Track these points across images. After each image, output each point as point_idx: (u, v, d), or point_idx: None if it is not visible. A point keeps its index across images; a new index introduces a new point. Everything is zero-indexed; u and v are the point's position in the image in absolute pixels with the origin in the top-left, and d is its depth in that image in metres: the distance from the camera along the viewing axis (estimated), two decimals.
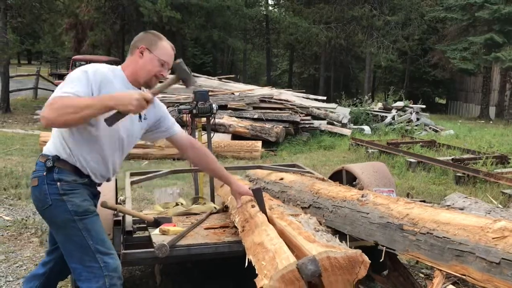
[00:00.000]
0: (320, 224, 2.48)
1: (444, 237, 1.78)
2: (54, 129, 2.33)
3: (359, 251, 1.46)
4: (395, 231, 2.10)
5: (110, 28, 21.32)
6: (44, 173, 2.25)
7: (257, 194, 2.49)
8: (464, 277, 1.61)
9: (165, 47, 2.41)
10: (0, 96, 15.82)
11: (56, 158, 2.27)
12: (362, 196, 2.59)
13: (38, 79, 20.22)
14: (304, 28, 23.83)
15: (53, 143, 2.33)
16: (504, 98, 22.15)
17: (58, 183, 2.24)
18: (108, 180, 2.50)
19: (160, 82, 2.46)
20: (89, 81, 2.18)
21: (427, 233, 1.88)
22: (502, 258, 1.48)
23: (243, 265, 1.83)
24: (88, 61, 19.09)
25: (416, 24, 24.30)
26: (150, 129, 2.58)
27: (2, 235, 4.61)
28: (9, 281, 3.64)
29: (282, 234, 1.90)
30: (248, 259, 1.70)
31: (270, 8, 31.82)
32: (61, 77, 20.93)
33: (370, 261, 1.50)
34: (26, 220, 5.03)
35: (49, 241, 2.64)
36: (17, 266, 3.91)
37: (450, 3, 21.50)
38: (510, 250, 1.47)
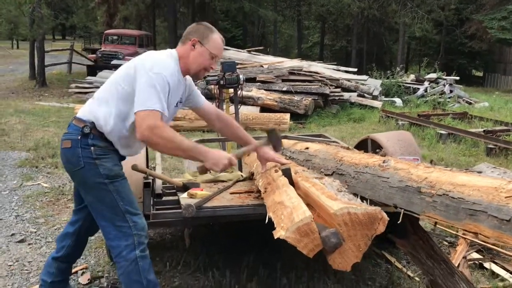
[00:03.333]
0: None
1: (459, 197, 1.82)
2: (104, 101, 2.40)
3: (378, 208, 1.52)
4: (413, 194, 2.15)
5: (141, 2, 21.45)
6: (79, 137, 2.34)
7: (286, 173, 2.54)
8: (476, 234, 1.66)
9: (216, 41, 2.48)
10: (36, 70, 16.29)
11: (93, 126, 2.37)
12: (384, 162, 2.63)
13: (72, 54, 20.63)
14: None
15: (94, 110, 2.41)
16: None
17: (92, 148, 2.35)
18: None
19: (208, 75, 2.69)
20: (168, 93, 2.31)
21: (443, 194, 1.92)
22: None
23: (266, 233, 1.93)
24: (120, 36, 19.36)
25: None
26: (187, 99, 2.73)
27: (41, 201, 4.87)
28: (48, 242, 3.88)
29: (306, 194, 1.97)
30: (269, 216, 1.80)
31: None
32: (94, 51, 21.28)
33: (388, 219, 1.56)
34: (63, 187, 5.28)
35: (75, 200, 2.81)
36: (55, 229, 4.14)
37: None
38: None
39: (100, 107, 2.41)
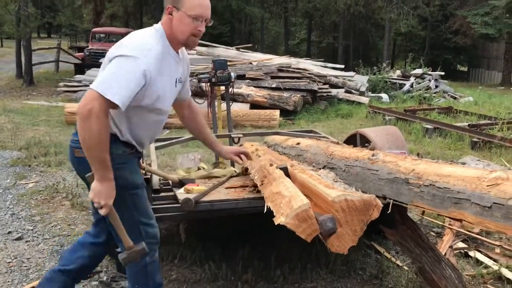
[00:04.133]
0: None
1: (444, 187, 1.95)
2: None
3: (373, 196, 1.63)
4: (401, 185, 2.27)
5: (128, 0, 21.38)
6: None
7: (283, 170, 2.59)
8: (460, 221, 1.79)
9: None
10: (23, 69, 16.20)
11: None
12: (373, 155, 2.76)
13: (59, 52, 20.52)
14: None
15: None
16: None
17: (110, 156, 2.10)
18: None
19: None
20: (143, 83, 2.06)
21: (430, 185, 2.05)
22: (494, 203, 1.64)
23: (260, 226, 2.02)
24: (107, 34, 19.28)
25: None
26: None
27: (36, 199, 4.92)
28: (46, 239, 3.95)
29: (303, 185, 2.08)
30: (267, 206, 1.90)
31: None
32: (81, 50, 21.18)
33: (382, 205, 1.67)
34: (57, 185, 5.33)
35: (94, 213, 2.62)
36: (52, 226, 4.21)
37: None
38: (501, 195, 1.63)
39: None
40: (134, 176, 2.29)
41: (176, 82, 2.34)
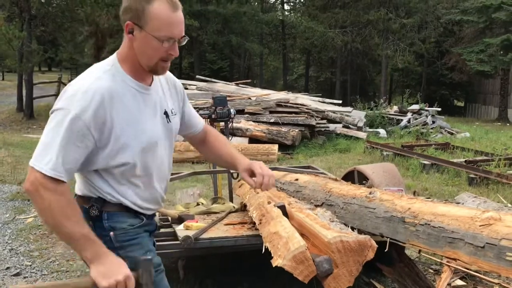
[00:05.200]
0: None
1: (439, 226, 1.99)
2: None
3: (367, 237, 1.67)
4: (398, 224, 2.32)
5: None
6: (91, 222, 1.68)
7: (281, 208, 2.58)
8: (455, 260, 1.82)
9: (160, 13, 1.58)
10: (24, 102, 16.37)
11: (102, 201, 1.70)
12: (370, 193, 2.81)
13: (60, 86, 20.73)
14: (320, 33, 24.09)
15: (89, 179, 1.71)
16: None
17: (112, 233, 1.69)
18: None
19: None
20: (85, 136, 1.56)
21: (425, 224, 2.10)
22: (486, 243, 1.69)
23: (259, 264, 2.05)
24: None
25: (432, 27, 24.35)
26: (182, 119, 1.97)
27: (35, 234, 4.92)
28: (44, 275, 3.94)
29: (300, 224, 2.12)
30: (265, 246, 1.94)
31: (286, 13, 32.13)
32: None
33: (377, 246, 1.71)
34: None
35: None
36: (51, 262, 4.20)
37: (466, 5, 21.52)
38: (493, 236, 1.68)
39: (90, 172, 1.69)
40: (150, 256, 1.71)
41: (167, 117, 1.80)
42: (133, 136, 1.64)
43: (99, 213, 1.68)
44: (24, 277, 3.88)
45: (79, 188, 1.75)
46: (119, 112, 1.61)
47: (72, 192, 1.64)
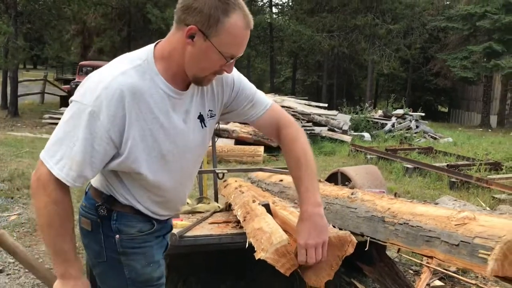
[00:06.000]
0: None
1: (417, 226, 2.06)
2: None
3: (347, 232, 1.72)
4: (378, 223, 2.38)
5: (117, 35, 21.73)
6: (99, 220, 1.58)
7: (265, 207, 2.68)
8: (431, 258, 1.89)
9: (235, 30, 1.40)
10: (9, 100, 16.21)
11: (112, 200, 1.58)
12: (352, 194, 2.88)
13: (45, 84, 20.61)
14: (307, 36, 24.24)
15: (102, 177, 1.60)
16: (505, 107, 22.45)
17: (117, 236, 1.57)
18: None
19: None
20: (102, 138, 1.39)
21: (404, 223, 2.16)
22: (461, 241, 1.76)
23: (243, 263, 2.10)
24: (94, 67, 19.48)
25: (418, 33, 24.68)
26: (227, 111, 1.74)
27: (18, 231, 4.90)
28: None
29: (283, 221, 2.17)
30: (249, 242, 1.99)
31: (274, 16, 32.24)
32: (67, 82, 21.34)
33: (357, 241, 1.76)
34: None
35: None
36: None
37: (451, 13, 21.89)
38: (467, 234, 1.75)
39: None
40: (148, 269, 1.63)
41: (202, 121, 1.61)
42: (153, 145, 1.48)
43: (108, 213, 1.57)
44: (7, 274, 3.87)
45: (95, 178, 1.61)
46: (141, 115, 1.43)
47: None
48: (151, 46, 1.51)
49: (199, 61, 1.44)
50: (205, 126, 1.62)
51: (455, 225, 1.85)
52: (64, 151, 1.38)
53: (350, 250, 1.65)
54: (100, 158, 1.42)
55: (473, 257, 1.69)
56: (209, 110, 1.63)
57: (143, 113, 1.43)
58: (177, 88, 1.50)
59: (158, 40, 1.54)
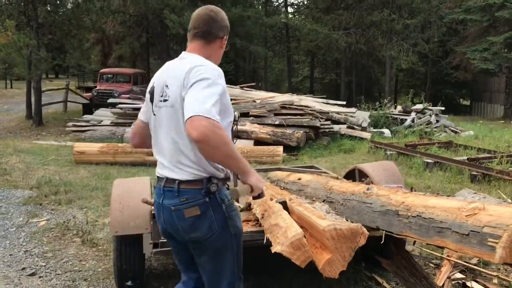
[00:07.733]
0: None
1: (429, 218, 2.13)
2: (181, 145, 2.02)
3: (359, 225, 1.81)
4: (392, 216, 2.45)
5: (135, 41, 22.05)
6: (207, 199, 1.98)
7: (282, 204, 2.76)
8: (443, 248, 1.96)
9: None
10: (34, 110, 16.63)
11: (213, 177, 2.02)
12: (368, 189, 2.95)
13: (68, 93, 21.03)
14: (323, 35, 24.16)
15: (192, 170, 2.02)
16: None
17: (223, 205, 2.03)
18: None
19: None
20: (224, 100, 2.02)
21: (417, 215, 2.23)
22: (471, 231, 1.82)
23: (265, 262, 2.17)
24: (115, 74, 19.83)
25: (435, 27, 24.36)
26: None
27: (48, 236, 5.10)
28: (58, 274, 4.10)
29: (299, 217, 2.26)
30: (267, 237, 2.08)
31: (290, 16, 32.23)
32: (89, 90, 21.74)
33: (368, 233, 1.84)
34: (68, 223, 5.51)
35: (182, 264, 2.33)
36: (64, 262, 4.37)
37: (469, 5, 21.57)
38: (477, 224, 1.81)
39: (194, 151, 1.99)
40: (241, 223, 2.18)
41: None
42: (230, 111, 2.13)
43: (216, 188, 1.99)
44: (40, 277, 4.04)
45: (184, 174, 2.00)
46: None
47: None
48: (196, 54, 2.15)
49: (220, 54, 2.23)
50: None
51: (466, 215, 1.91)
52: (210, 105, 1.87)
53: (362, 241, 1.74)
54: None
55: (482, 246, 1.75)
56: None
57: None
58: None
59: (187, 52, 2.21)
